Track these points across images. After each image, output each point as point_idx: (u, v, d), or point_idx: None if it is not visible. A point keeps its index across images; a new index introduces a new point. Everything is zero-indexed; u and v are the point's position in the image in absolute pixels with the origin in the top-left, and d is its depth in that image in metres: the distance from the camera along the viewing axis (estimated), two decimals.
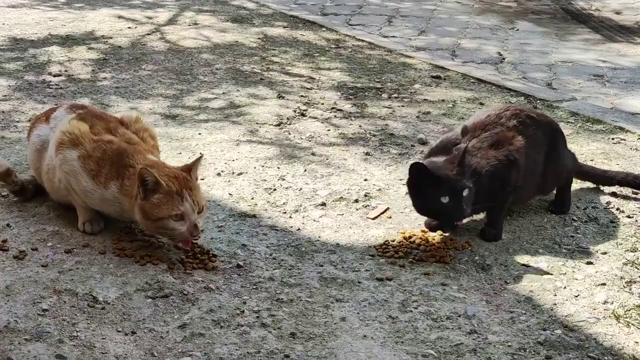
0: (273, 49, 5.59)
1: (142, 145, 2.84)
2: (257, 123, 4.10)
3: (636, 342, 2.37)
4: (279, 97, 4.53)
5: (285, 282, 2.63)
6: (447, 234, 2.96)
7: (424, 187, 2.81)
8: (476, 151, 2.92)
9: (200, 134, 3.91)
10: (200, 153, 2.73)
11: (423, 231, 2.99)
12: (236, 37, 5.88)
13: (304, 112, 4.29)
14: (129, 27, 6.03)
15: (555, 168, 3.12)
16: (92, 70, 4.90)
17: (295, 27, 6.32)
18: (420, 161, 2.87)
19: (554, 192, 3.25)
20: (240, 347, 2.28)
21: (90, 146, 2.77)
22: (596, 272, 2.76)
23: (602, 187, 3.39)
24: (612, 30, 6.92)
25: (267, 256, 2.79)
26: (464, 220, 2.95)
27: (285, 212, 3.13)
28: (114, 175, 2.70)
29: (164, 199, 2.59)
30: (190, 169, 2.71)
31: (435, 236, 2.94)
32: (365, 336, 2.36)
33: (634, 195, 3.34)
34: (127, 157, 2.72)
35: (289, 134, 3.97)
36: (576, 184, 3.38)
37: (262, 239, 2.91)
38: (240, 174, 3.46)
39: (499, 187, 2.92)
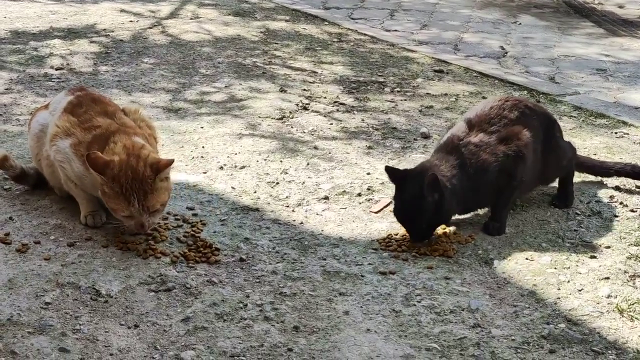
0: (275, 43, 5.57)
1: (135, 130, 2.83)
2: (259, 117, 4.10)
3: None
4: (281, 91, 4.52)
5: (288, 275, 2.63)
6: (450, 228, 2.96)
7: (398, 189, 2.85)
8: (485, 146, 2.91)
9: (202, 127, 3.90)
10: (173, 158, 2.70)
11: None
12: (238, 30, 5.87)
13: (306, 105, 4.29)
14: (131, 21, 6.02)
15: (555, 156, 3.12)
16: (94, 63, 4.90)
17: (298, 20, 6.31)
18: (390, 165, 2.90)
19: (557, 186, 3.24)
20: (244, 340, 2.28)
21: (81, 133, 2.79)
22: (600, 266, 2.75)
23: (605, 181, 3.39)
24: (615, 24, 6.91)
25: (270, 250, 2.79)
26: (464, 216, 2.95)
27: (288, 206, 3.13)
28: None
29: (112, 194, 2.62)
30: (158, 170, 2.65)
31: (438, 230, 2.94)
32: (368, 330, 2.35)
33: (637, 189, 3.33)
34: (112, 136, 2.74)
35: (291, 127, 3.96)
36: (579, 178, 3.37)
37: (265, 233, 2.91)
38: (243, 167, 3.45)
39: (505, 182, 2.92)
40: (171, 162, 2.69)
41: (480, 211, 3.06)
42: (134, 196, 2.61)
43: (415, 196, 2.76)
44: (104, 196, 2.66)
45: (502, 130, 2.97)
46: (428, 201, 2.74)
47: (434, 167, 2.86)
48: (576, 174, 3.32)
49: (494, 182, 2.89)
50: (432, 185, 2.74)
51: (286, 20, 6.27)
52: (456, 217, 2.99)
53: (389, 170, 2.87)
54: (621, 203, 3.21)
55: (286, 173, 3.41)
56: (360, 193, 3.25)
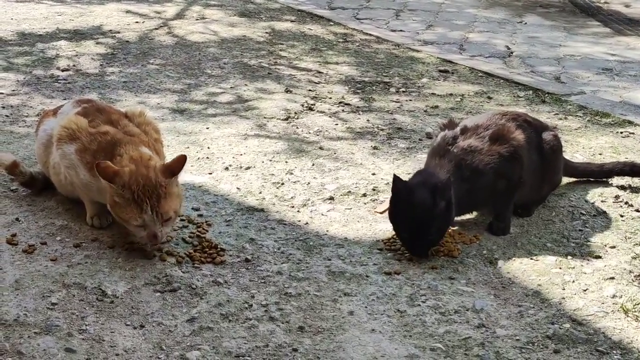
0: (281, 43, 5.58)
1: (141, 137, 2.83)
2: (264, 117, 4.11)
3: None
4: (287, 92, 4.53)
5: (293, 276, 2.63)
6: (455, 228, 2.96)
7: (398, 201, 2.76)
8: (479, 147, 2.90)
9: (208, 128, 3.91)
10: (185, 155, 2.70)
11: None
12: (244, 31, 5.88)
13: (312, 106, 4.29)
14: (137, 22, 6.04)
15: (551, 172, 3.12)
16: (100, 64, 4.91)
17: (303, 21, 6.32)
18: (400, 177, 2.79)
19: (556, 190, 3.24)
20: (249, 340, 2.28)
21: (87, 139, 2.78)
22: (605, 266, 2.75)
23: (610, 181, 3.38)
24: (621, 23, 6.90)
25: (275, 250, 2.79)
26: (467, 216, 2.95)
27: (293, 206, 3.14)
28: None
29: (123, 203, 2.59)
30: (173, 173, 2.65)
31: None
32: (373, 330, 2.36)
33: None
34: (120, 147, 2.73)
35: (297, 128, 3.97)
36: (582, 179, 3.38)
37: (270, 233, 2.92)
38: (248, 168, 3.46)
39: (503, 184, 2.91)
40: (184, 158, 2.66)
41: (472, 213, 3.06)
42: (146, 202, 2.57)
43: (425, 207, 2.68)
44: (114, 207, 2.62)
45: (496, 130, 2.95)
46: (439, 211, 2.69)
47: (433, 174, 2.80)
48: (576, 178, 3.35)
49: (490, 185, 2.88)
50: (443, 194, 2.69)
51: (292, 21, 6.29)
52: (459, 218, 3.00)
53: (397, 179, 2.76)
54: (626, 203, 3.21)
55: (291, 174, 3.42)
56: (365, 193, 3.26)
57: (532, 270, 2.72)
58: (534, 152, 3.02)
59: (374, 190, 3.28)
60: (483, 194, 2.90)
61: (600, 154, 3.68)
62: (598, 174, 3.37)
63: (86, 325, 2.31)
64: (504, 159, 2.88)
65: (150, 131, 2.94)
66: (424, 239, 2.73)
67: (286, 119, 4.08)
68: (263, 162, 3.53)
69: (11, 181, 3.18)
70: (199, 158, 3.54)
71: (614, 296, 2.57)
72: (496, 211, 2.99)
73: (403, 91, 4.62)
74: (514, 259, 2.79)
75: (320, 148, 3.71)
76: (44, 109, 4.02)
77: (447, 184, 2.71)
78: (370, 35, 5.95)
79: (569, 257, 2.80)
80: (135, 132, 2.84)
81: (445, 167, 2.84)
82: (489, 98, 4.53)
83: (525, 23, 6.79)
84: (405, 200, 2.72)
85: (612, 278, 2.67)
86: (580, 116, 4.26)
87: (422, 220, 2.70)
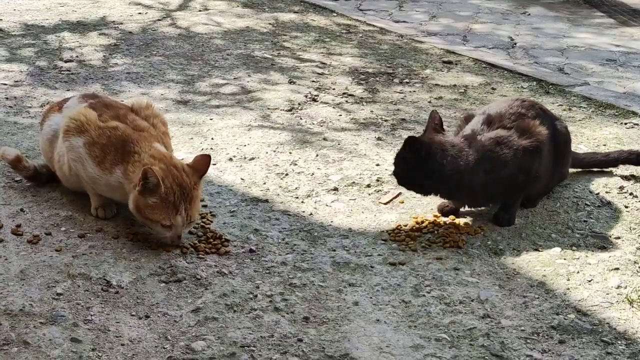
0: (284, 35, 5.57)
1: (151, 132, 2.83)
2: (268, 108, 4.10)
3: None
4: (291, 83, 4.52)
5: (298, 266, 2.63)
6: (459, 219, 2.96)
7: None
8: (505, 140, 2.89)
9: (211, 119, 3.91)
10: (209, 155, 2.74)
11: (435, 216, 2.99)
12: (247, 22, 5.87)
13: (316, 97, 4.29)
14: (140, 13, 6.03)
15: (561, 163, 3.12)
16: (104, 56, 4.91)
17: (307, 12, 6.31)
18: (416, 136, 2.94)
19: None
20: (254, 331, 2.29)
21: (96, 133, 2.78)
22: (609, 256, 2.75)
23: (614, 172, 3.37)
24: (625, 14, 6.88)
25: (280, 241, 2.79)
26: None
27: (297, 197, 3.14)
28: (119, 161, 2.72)
29: (159, 204, 2.60)
30: (201, 174, 2.70)
31: (448, 220, 2.94)
32: (378, 320, 2.36)
33: None
34: (131, 143, 2.73)
35: (301, 119, 3.97)
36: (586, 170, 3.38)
37: (275, 224, 2.92)
38: (252, 159, 3.46)
39: (523, 177, 2.90)
40: (208, 158, 2.73)
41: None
42: (181, 204, 2.61)
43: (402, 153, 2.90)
44: (146, 208, 2.60)
45: (522, 124, 2.96)
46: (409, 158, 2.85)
47: (453, 142, 2.89)
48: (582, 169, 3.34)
49: (510, 177, 2.87)
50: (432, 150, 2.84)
51: (295, 12, 6.28)
52: (465, 208, 3.00)
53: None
54: (631, 194, 3.21)
55: (295, 164, 3.42)
56: (369, 184, 3.25)
57: (536, 261, 2.72)
58: (550, 144, 3.01)
59: (378, 181, 3.28)
60: (502, 186, 2.90)
61: (604, 145, 3.68)
62: (605, 164, 3.36)
63: (91, 315, 2.32)
64: (528, 152, 2.88)
65: (159, 124, 2.94)
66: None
67: (290, 110, 4.08)
68: (267, 152, 3.53)
69: (16, 172, 3.17)
70: (202, 149, 3.54)
71: (618, 287, 2.57)
72: (504, 202, 2.98)
73: (407, 82, 4.61)
74: (518, 249, 2.79)
75: (324, 139, 3.70)
76: (47, 100, 4.02)
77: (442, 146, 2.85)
78: (374, 26, 5.94)
79: (574, 248, 2.80)
80: (144, 127, 2.84)
81: (472, 155, 2.84)
82: (493, 89, 4.52)
83: (529, 14, 6.77)
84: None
85: (617, 269, 2.67)
86: (584, 107, 4.25)
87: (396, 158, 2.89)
